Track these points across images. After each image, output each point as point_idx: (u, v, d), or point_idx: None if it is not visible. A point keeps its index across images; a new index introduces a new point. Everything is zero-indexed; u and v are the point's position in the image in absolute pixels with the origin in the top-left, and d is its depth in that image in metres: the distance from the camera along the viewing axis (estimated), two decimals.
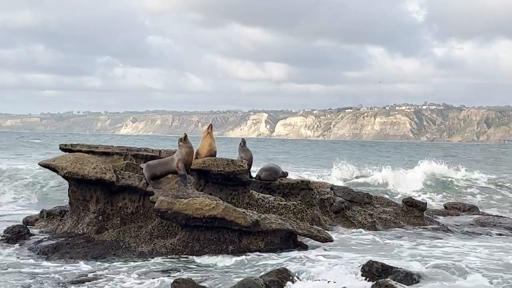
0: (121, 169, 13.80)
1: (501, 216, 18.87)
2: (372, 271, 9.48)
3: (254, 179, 15.34)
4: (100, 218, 13.50)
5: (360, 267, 9.83)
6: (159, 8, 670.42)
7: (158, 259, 11.94)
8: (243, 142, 15.80)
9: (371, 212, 15.98)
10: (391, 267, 9.61)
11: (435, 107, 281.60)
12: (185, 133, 13.43)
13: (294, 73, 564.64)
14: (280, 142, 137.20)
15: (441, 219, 17.80)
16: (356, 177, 31.08)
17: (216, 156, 14.37)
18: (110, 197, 13.52)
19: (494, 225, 17.45)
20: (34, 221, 14.96)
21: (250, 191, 14.33)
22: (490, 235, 15.75)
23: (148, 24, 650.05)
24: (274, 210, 14.01)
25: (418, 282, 9.44)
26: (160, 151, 15.00)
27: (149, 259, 11.97)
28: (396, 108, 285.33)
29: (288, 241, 12.52)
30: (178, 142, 13.29)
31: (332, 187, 17.48)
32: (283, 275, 9.35)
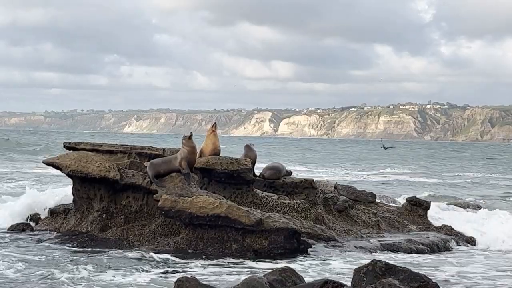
0: (125, 167, 13.81)
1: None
2: (375, 270, 9.46)
3: (258, 177, 15.33)
4: (103, 216, 13.52)
5: (364, 266, 9.81)
6: (171, 6, 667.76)
7: (162, 258, 11.95)
8: (251, 144, 15.80)
9: (375, 211, 15.96)
10: (395, 266, 9.58)
11: (439, 106, 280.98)
12: (191, 132, 13.40)
13: (301, 72, 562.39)
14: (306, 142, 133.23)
15: (444, 218, 17.77)
16: None
17: (220, 155, 14.37)
18: (114, 196, 13.54)
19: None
20: (38, 219, 14.98)
21: (254, 190, 14.33)
22: None
23: (159, 22, 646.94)
24: (278, 209, 14.00)
25: (423, 282, 9.41)
26: (164, 149, 15.01)
27: (153, 257, 11.98)
28: (400, 107, 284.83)
29: (292, 239, 12.52)
30: (182, 141, 13.29)
31: (336, 186, 17.47)
32: (287, 273, 9.34)
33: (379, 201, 17.46)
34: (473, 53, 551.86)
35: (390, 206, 17.14)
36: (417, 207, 16.50)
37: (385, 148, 59.73)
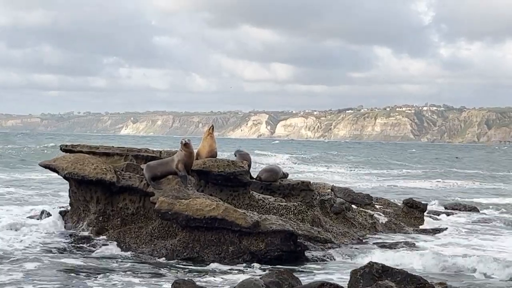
0: (122, 170, 13.81)
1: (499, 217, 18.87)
2: (372, 272, 9.47)
3: (254, 180, 15.34)
4: (100, 219, 13.51)
5: (360, 268, 9.83)
6: (171, 7, 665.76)
7: (159, 260, 11.95)
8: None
9: (372, 213, 15.99)
10: (392, 268, 9.60)
11: (435, 108, 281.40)
12: (188, 139, 13.34)
13: (299, 74, 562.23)
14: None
15: (441, 220, 17.81)
16: None
17: (217, 157, 14.38)
18: (110, 198, 13.53)
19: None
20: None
21: (251, 192, 14.33)
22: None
23: (158, 24, 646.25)
24: (275, 211, 14.01)
25: (419, 284, 9.43)
26: (160, 151, 15.01)
27: (150, 259, 11.97)
28: (397, 109, 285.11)
29: (289, 242, 12.52)
30: (180, 146, 13.28)
31: (332, 188, 17.50)
32: (284, 276, 9.35)
33: (376, 203, 17.50)
34: (472, 54, 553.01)
35: (386, 208, 17.18)
36: (414, 209, 16.55)
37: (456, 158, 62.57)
